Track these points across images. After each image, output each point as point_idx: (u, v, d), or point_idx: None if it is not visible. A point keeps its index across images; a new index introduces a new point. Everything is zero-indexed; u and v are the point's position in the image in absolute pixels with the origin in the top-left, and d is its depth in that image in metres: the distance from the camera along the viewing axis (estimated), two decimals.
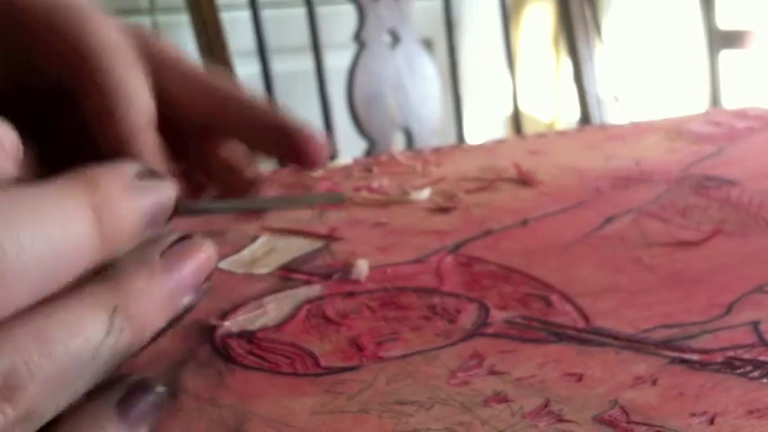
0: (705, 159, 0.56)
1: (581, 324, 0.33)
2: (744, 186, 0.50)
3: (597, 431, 0.26)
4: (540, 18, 1.62)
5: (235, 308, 0.35)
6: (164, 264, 0.22)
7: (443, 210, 0.46)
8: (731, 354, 0.31)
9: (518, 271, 0.38)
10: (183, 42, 1.23)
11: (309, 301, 0.35)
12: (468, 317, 0.34)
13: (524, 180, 0.51)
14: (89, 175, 0.21)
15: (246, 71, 1.10)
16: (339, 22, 1.07)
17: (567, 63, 1.53)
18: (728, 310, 0.34)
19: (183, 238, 0.23)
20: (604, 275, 0.38)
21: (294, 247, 0.42)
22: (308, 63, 1.01)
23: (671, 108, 1.33)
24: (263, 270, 0.39)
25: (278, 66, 1.00)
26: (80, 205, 0.20)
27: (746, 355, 0.30)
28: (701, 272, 0.38)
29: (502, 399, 0.28)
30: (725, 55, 1.27)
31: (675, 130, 0.63)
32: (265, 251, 0.41)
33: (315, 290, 0.37)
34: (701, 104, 1.36)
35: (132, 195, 0.21)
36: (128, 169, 0.22)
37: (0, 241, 0.18)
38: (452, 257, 0.40)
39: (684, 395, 0.28)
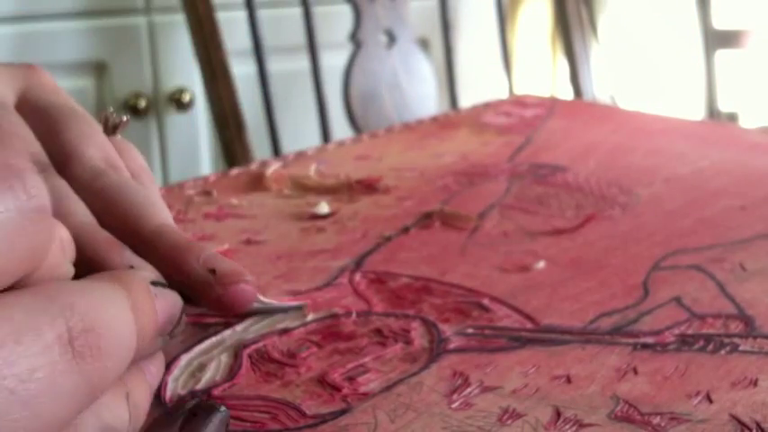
0: (522, 149, 0.59)
1: (530, 325, 0.34)
2: (573, 170, 0.53)
3: (620, 429, 0.27)
4: (536, 18, 1.59)
5: (166, 367, 0.31)
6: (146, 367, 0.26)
7: (319, 228, 0.45)
8: (677, 331, 0.33)
9: (433, 280, 0.38)
10: (179, 42, 1.13)
11: (245, 346, 0.32)
12: (420, 335, 0.33)
13: (373, 187, 0.51)
14: (121, 277, 0.23)
15: (242, 71, 1.01)
16: (335, 22, 1.03)
17: (563, 63, 1.51)
18: (647, 291, 0.36)
19: None
20: (517, 273, 0.39)
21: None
22: (304, 63, 0.99)
23: (667, 108, 1.35)
24: None
25: (274, 65, 0.98)
26: (126, 306, 0.22)
27: (690, 331, 0.33)
28: (596, 257, 0.40)
29: (513, 415, 0.27)
30: (721, 54, 1.30)
31: (476, 124, 0.66)
32: None
33: (239, 332, 0.33)
34: (697, 104, 1.40)
35: (153, 300, 0.24)
36: (145, 275, 0.25)
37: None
38: (360, 276, 0.38)
39: (670, 379, 0.29)
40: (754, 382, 0.29)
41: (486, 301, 0.36)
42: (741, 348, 0.31)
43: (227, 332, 0.33)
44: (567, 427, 0.27)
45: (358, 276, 0.38)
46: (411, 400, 0.28)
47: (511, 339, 0.33)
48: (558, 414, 0.27)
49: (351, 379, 0.30)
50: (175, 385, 0.30)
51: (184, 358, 0.31)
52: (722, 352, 0.31)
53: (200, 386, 0.30)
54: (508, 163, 0.56)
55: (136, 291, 0.23)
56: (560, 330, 0.33)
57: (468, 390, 0.29)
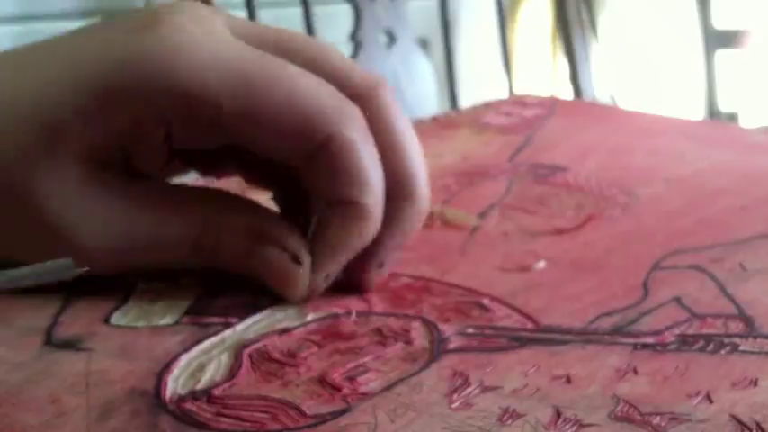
0: (522, 149, 0.59)
1: (530, 325, 0.34)
2: (573, 170, 0.53)
3: (620, 429, 0.27)
4: (536, 18, 1.59)
5: (166, 367, 0.31)
6: None
7: None
8: (677, 331, 0.33)
9: (434, 280, 0.38)
10: None
11: (245, 346, 0.32)
12: (420, 335, 0.33)
13: None
14: None
15: None
16: (335, 22, 1.03)
17: (563, 63, 1.51)
18: (646, 291, 0.36)
19: None
20: (517, 273, 0.39)
21: (182, 289, 0.37)
22: None
23: (667, 108, 1.35)
24: (166, 320, 0.35)
25: None
26: None
27: (690, 331, 0.33)
28: (596, 258, 0.40)
29: (514, 414, 0.27)
30: (721, 54, 1.31)
31: (476, 124, 0.66)
32: (152, 298, 0.37)
33: (239, 332, 0.33)
34: (697, 104, 1.40)
35: None
36: None
37: None
38: None
39: (670, 379, 0.29)
40: (755, 382, 0.29)
41: (486, 301, 0.36)
42: (741, 348, 0.31)
43: (228, 332, 0.33)
44: (567, 426, 0.27)
45: None
46: (411, 400, 0.28)
47: (511, 339, 0.33)
48: (558, 414, 0.27)
49: (351, 379, 0.30)
50: (175, 385, 0.30)
51: (184, 358, 0.31)
52: (722, 352, 0.31)
53: (200, 386, 0.30)
54: (508, 163, 0.56)
55: None
56: (560, 330, 0.33)
57: (469, 390, 0.29)
